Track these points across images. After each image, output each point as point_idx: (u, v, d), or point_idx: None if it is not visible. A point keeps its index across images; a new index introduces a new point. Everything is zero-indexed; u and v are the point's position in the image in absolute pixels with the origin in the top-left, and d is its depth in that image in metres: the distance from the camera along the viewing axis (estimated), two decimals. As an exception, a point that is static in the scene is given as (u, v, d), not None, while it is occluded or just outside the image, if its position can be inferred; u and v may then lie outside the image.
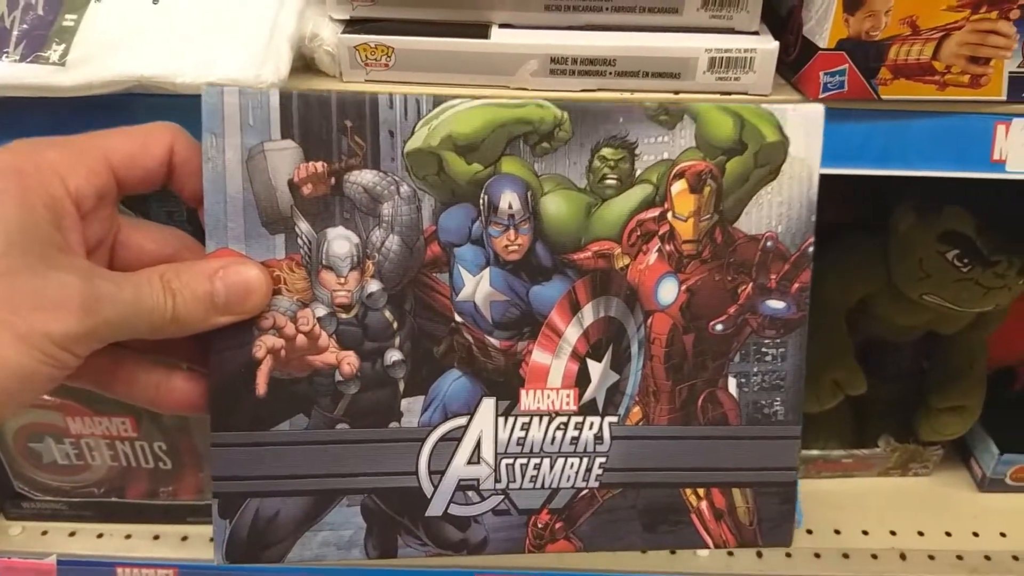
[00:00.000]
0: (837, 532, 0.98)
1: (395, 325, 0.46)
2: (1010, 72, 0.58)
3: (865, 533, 0.98)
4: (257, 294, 0.45)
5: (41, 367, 0.38)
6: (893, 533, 0.98)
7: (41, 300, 0.38)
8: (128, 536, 0.91)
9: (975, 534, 0.99)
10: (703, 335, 0.46)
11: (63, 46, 0.57)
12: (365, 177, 0.46)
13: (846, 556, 0.96)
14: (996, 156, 0.61)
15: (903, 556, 0.96)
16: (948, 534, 0.98)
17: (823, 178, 0.47)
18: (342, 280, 0.46)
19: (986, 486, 1.03)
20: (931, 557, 0.96)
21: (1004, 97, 0.59)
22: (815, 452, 1.02)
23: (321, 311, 0.46)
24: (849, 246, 1.00)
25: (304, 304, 0.46)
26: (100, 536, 0.90)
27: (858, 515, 0.99)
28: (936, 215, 0.90)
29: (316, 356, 0.46)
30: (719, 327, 0.46)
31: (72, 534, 0.91)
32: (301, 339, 0.46)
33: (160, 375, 0.47)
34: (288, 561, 0.46)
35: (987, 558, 0.96)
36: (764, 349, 0.46)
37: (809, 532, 0.98)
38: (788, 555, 0.95)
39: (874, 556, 0.96)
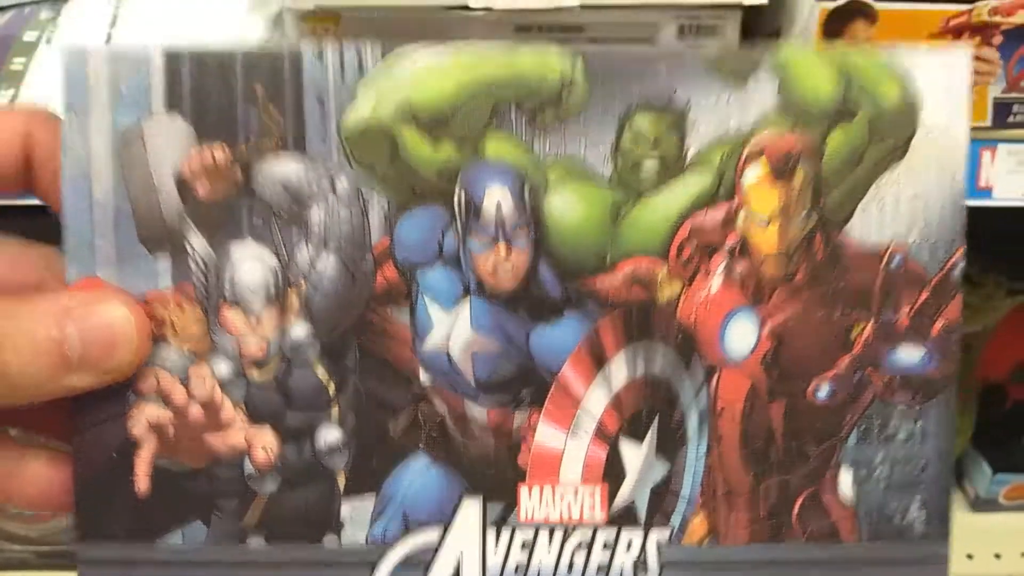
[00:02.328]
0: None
1: (332, 389, 0.24)
2: (994, 98, 0.48)
3: (864, 558, 0.74)
4: (127, 345, 0.24)
5: None
6: (891, 557, 0.75)
7: None
8: (104, 584, 0.67)
9: (969, 556, 0.76)
10: (799, 403, 0.23)
11: (11, 91, 0.45)
12: (285, 168, 0.23)
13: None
14: (982, 183, 0.49)
15: (903, 582, 0.72)
16: (945, 557, 0.75)
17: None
18: (254, 322, 0.24)
19: (979, 507, 0.80)
20: (930, 582, 0.72)
21: (989, 123, 0.48)
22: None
23: (224, 369, 0.24)
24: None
25: (199, 358, 0.23)
26: (70, 585, 0.67)
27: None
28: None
29: (216, 435, 0.24)
30: (824, 390, 0.23)
31: (40, 583, 0.68)
32: (196, 411, 0.24)
33: (11, 458, 0.25)
34: None
35: (983, 580, 0.73)
36: (894, 423, 0.23)
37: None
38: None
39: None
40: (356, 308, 0.24)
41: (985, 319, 0.70)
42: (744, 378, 0.22)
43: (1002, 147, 0.49)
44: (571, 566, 0.23)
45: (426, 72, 0.23)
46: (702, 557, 0.22)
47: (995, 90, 0.48)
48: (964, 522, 0.78)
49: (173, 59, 0.24)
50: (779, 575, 0.22)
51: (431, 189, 0.23)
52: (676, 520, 0.23)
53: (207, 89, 0.24)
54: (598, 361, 0.23)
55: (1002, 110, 0.48)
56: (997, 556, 0.75)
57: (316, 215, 0.24)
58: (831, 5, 0.45)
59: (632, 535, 0.22)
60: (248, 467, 0.24)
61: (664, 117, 0.22)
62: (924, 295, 0.22)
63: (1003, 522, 0.78)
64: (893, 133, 0.22)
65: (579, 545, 0.23)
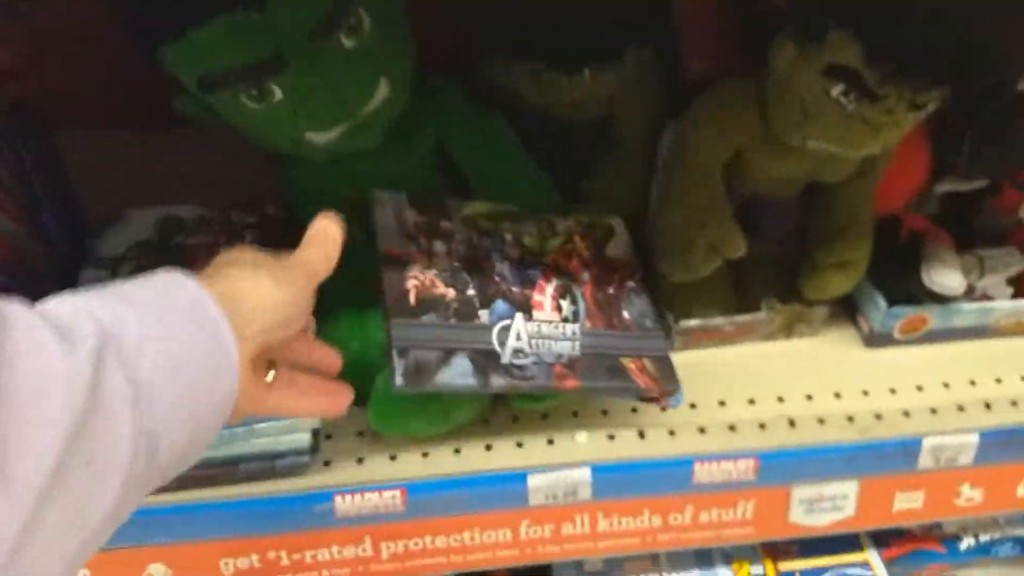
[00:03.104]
0: (722, 404, 0.70)
1: None
2: None
3: (752, 402, 0.70)
4: None
5: None
6: (781, 400, 0.70)
7: None
8: None
9: (864, 393, 0.72)
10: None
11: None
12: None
13: (732, 428, 0.68)
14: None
15: (792, 423, 0.68)
16: (837, 395, 0.71)
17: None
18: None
19: (874, 342, 0.75)
20: (821, 421, 0.68)
21: None
22: (693, 322, 0.72)
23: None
24: (720, 95, 0.68)
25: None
26: None
27: (743, 384, 0.71)
28: (818, 45, 0.58)
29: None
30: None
31: None
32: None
33: None
34: (434, 385, 0.54)
35: (877, 417, 0.69)
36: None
37: (692, 407, 0.69)
38: (671, 432, 0.66)
39: (762, 426, 0.68)
40: None
41: (886, 137, 0.61)
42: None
43: None
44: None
45: None
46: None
47: None
48: (858, 359, 0.74)
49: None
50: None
51: None
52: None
53: None
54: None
55: None
56: (892, 391, 0.70)
57: None
58: None
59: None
60: None
61: None
62: None
63: (897, 356, 0.73)
64: None
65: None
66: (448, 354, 0.54)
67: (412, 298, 0.55)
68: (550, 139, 0.81)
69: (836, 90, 0.58)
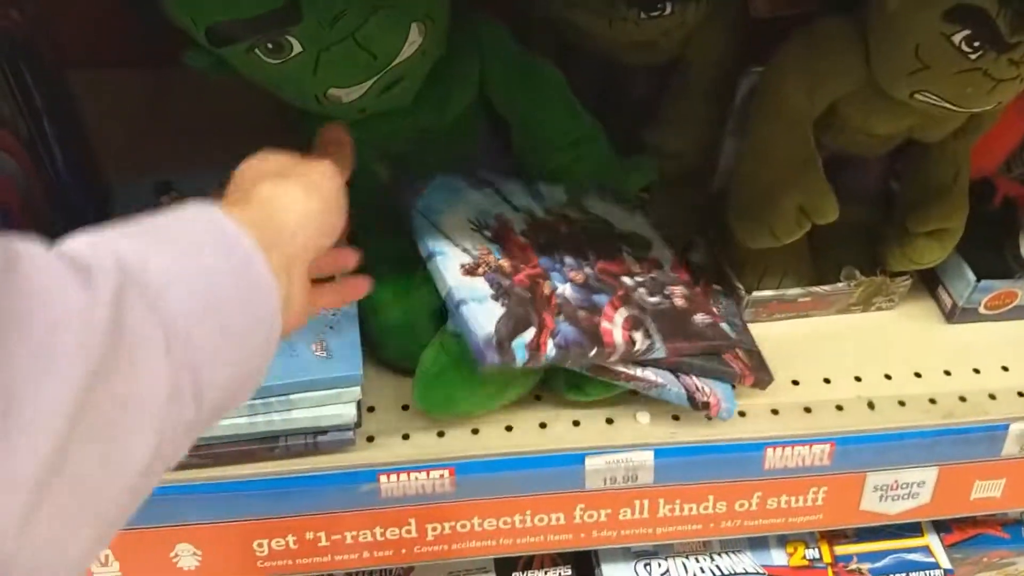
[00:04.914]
0: (795, 383, 0.63)
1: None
2: None
3: (827, 382, 0.63)
4: None
5: None
6: (858, 379, 0.63)
7: None
8: None
9: (947, 373, 0.64)
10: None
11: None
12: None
13: (808, 410, 0.61)
14: None
15: (871, 405, 0.61)
16: (918, 375, 0.64)
17: None
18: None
19: (956, 317, 0.67)
20: (901, 403, 0.61)
21: None
22: (767, 292, 0.64)
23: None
24: (815, 36, 0.58)
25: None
26: None
27: (818, 362, 0.64)
28: (944, -18, 0.49)
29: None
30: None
31: None
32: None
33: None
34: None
35: (962, 399, 0.62)
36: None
37: (765, 385, 0.61)
38: (742, 414, 0.60)
39: (839, 408, 0.61)
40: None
41: (1004, 94, 0.53)
42: None
43: None
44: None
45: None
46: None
47: None
48: (939, 335, 0.67)
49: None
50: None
51: None
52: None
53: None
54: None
55: None
56: (976, 371, 0.63)
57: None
58: None
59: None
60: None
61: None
62: None
63: (980, 333, 0.66)
64: None
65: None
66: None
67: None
68: (605, 84, 0.72)
69: (959, 36, 0.50)
